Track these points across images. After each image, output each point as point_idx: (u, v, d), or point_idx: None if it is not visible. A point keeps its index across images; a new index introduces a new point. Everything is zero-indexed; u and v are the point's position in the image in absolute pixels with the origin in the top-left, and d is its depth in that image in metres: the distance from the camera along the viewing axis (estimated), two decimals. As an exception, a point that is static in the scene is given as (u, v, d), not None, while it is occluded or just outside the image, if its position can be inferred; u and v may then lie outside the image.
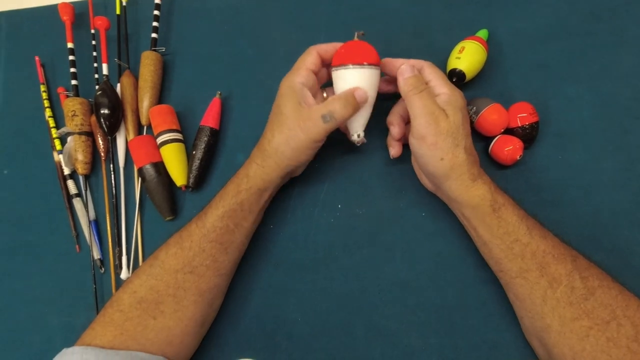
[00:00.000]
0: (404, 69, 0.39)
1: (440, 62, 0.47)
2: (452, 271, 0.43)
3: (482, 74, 0.47)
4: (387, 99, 0.46)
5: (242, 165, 0.42)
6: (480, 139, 0.46)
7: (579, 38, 0.48)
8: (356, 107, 0.39)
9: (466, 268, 0.43)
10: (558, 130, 0.45)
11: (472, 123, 0.45)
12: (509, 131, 0.44)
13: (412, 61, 0.41)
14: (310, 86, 0.41)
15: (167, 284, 0.39)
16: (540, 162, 0.45)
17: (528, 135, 0.44)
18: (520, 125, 0.44)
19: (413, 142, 0.39)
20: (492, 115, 0.43)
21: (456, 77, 0.45)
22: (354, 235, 0.45)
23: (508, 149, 0.43)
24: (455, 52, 0.46)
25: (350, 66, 0.39)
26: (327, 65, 0.43)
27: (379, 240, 0.45)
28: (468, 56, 0.45)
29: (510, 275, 0.37)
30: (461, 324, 0.42)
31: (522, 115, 0.44)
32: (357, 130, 0.42)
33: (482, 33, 0.48)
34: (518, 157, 0.43)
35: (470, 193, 0.38)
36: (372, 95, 0.40)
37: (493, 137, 0.44)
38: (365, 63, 0.39)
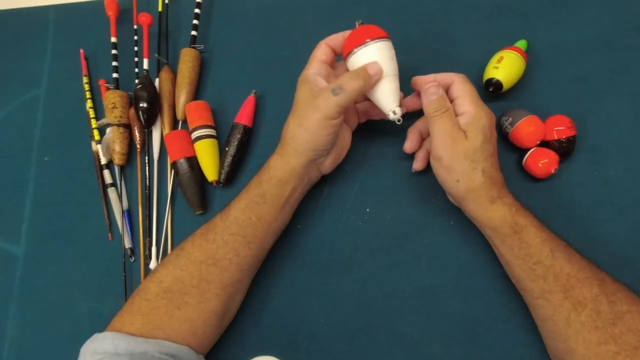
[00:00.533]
0: (429, 89, 0.39)
1: (478, 72, 0.47)
2: (478, 281, 0.43)
3: (520, 84, 0.47)
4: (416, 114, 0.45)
5: None
6: (514, 151, 0.45)
7: (621, 52, 0.47)
8: (367, 79, 0.38)
9: (493, 279, 0.42)
10: (595, 146, 0.45)
11: (506, 134, 0.45)
12: (544, 144, 0.44)
13: (443, 75, 0.40)
14: (324, 75, 0.41)
15: (191, 275, 0.39)
16: (576, 177, 0.44)
17: (564, 149, 0.43)
18: (556, 138, 0.43)
19: (432, 162, 0.40)
20: (528, 127, 0.43)
21: (493, 87, 0.45)
22: (380, 240, 0.45)
23: (543, 162, 0.42)
24: (493, 62, 0.45)
25: (356, 50, 0.39)
26: (339, 56, 0.43)
27: (405, 247, 0.45)
28: (506, 66, 0.44)
29: (532, 296, 0.37)
30: (485, 336, 0.41)
31: (559, 128, 0.43)
32: (391, 107, 0.40)
33: (521, 44, 0.47)
34: (553, 171, 0.42)
35: (489, 215, 0.38)
36: (390, 67, 0.39)
37: (528, 150, 0.44)
38: (368, 40, 0.38)
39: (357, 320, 0.43)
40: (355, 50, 0.39)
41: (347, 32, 0.41)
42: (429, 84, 0.39)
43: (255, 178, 0.41)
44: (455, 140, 0.37)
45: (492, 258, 0.42)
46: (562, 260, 0.35)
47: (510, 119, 0.44)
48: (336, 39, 0.42)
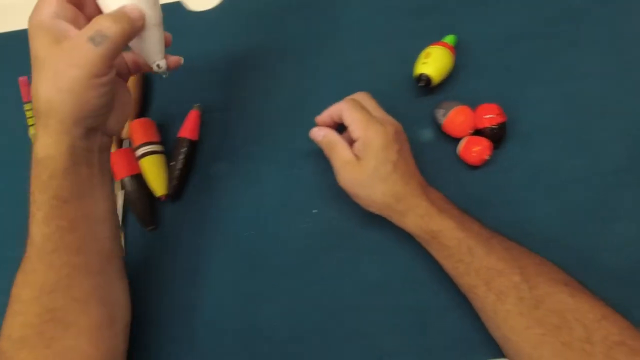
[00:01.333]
0: (312, 135, 0.43)
1: (408, 68, 0.49)
2: (426, 273, 0.44)
3: (451, 78, 0.49)
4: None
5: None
6: (449, 141, 0.47)
7: (541, 40, 0.49)
8: (131, 23, 0.32)
9: (439, 269, 0.43)
10: (525, 131, 0.47)
11: (440, 126, 0.46)
12: (477, 133, 0.45)
13: (334, 108, 0.42)
14: (69, 19, 0.32)
15: (36, 314, 0.34)
16: (509, 162, 0.46)
17: (496, 136, 0.45)
18: (487, 125, 0.45)
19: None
20: (459, 117, 0.45)
21: (423, 82, 0.46)
22: (327, 239, 0.46)
23: (476, 149, 0.44)
24: (421, 58, 0.47)
25: None
26: None
27: (352, 244, 0.45)
28: (435, 61, 0.46)
29: (463, 290, 0.39)
30: (436, 325, 0.42)
31: (490, 116, 0.45)
32: (155, 60, 0.37)
33: (449, 39, 0.49)
34: (486, 157, 0.44)
35: (404, 226, 0.41)
36: (152, 15, 0.34)
37: (461, 139, 0.45)
38: None
39: (310, 320, 0.44)
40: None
41: None
42: (312, 130, 0.43)
43: (34, 181, 0.33)
44: (351, 172, 0.40)
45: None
46: (481, 256, 0.37)
47: (443, 110, 0.46)
48: None
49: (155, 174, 0.48)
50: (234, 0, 0.57)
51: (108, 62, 0.31)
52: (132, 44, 0.35)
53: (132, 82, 0.51)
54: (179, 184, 0.49)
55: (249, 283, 0.45)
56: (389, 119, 0.42)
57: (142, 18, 0.33)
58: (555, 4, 0.50)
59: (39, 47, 0.31)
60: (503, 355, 0.40)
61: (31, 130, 0.53)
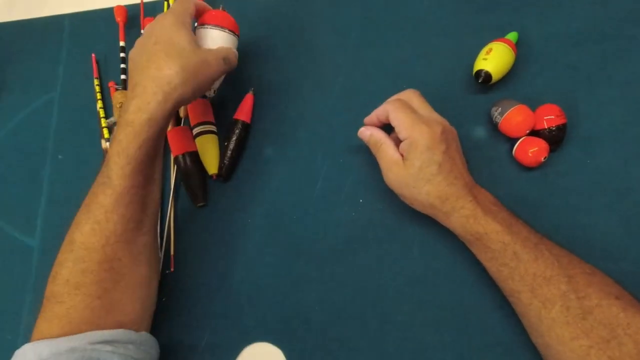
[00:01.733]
0: (361, 135, 0.44)
1: (467, 65, 0.48)
2: (470, 270, 0.43)
3: (511, 76, 0.47)
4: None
5: (125, 112, 0.39)
6: (505, 141, 0.45)
7: (612, 42, 0.47)
8: (235, 62, 0.47)
9: (482, 269, 0.43)
10: (587, 134, 0.45)
11: (496, 125, 0.45)
12: (534, 133, 0.44)
13: (380, 109, 0.43)
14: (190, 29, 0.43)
15: (99, 262, 0.37)
16: (568, 165, 0.44)
17: (555, 138, 0.43)
18: (546, 127, 0.43)
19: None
20: (517, 117, 0.43)
21: (482, 78, 0.45)
22: (373, 230, 0.46)
23: (532, 150, 0.43)
24: (482, 54, 0.46)
25: (209, 27, 0.46)
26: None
27: (398, 236, 0.45)
28: (495, 58, 0.45)
29: (505, 294, 0.38)
30: (477, 324, 0.42)
31: (549, 117, 0.43)
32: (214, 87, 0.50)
33: (512, 36, 0.48)
34: (542, 159, 0.43)
35: (449, 225, 0.40)
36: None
37: (518, 139, 0.44)
38: (225, 27, 0.46)
39: (350, 308, 0.44)
40: (209, 26, 0.46)
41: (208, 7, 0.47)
42: (361, 130, 0.44)
43: (126, 135, 0.38)
44: (396, 171, 0.40)
45: (484, 247, 0.43)
46: (527, 261, 0.36)
47: (500, 109, 0.45)
48: (202, 5, 0.46)
49: (209, 153, 0.50)
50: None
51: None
52: None
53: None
54: (231, 165, 0.50)
55: (291, 266, 0.46)
56: (437, 117, 0.41)
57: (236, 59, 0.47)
58: (624, 4, 0.47)
59: (180, 38, 0.40)
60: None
61: (99, 104, 0.56)
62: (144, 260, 0.41)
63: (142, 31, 0.57)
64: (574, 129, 0.45)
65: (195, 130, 0.51)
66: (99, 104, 0.56)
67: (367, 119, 0.45)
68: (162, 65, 0.38)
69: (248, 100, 0.52)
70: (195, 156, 0.51)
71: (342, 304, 0.44)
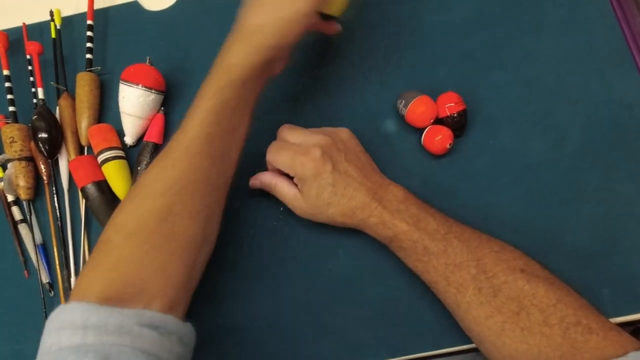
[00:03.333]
0: (251, 184, 0.45)
1: (371, 58, 0.49)
2: (394, 263, 0.43)
3: (412, 67, 0.49)
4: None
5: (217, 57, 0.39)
6: (412, 132, 0.47)
7: (502, 26, 0.49)
8: None
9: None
10: (487, 117, 0.47)
11: (402, 117, 0.46)
12: (439, 122, 0.45)
13: (261, 175, 0.44)
14: None
15: (154, 211, 0.35)
16: (473, 149, 0.46)
17: (457, 124, 0.45)
18: (448, 114, 0.45)
19: None
20: (420, 107, 0.44)
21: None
22: (297, 236, 0.46)
23: (438, 138, 0.44)
24: None
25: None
26: None
27: (321, 239, 0.45)
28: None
29: (427, 285, 0.40)
30: (406, 314, 0.43)
31: (450, 104, 0.45)
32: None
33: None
34: (448, 146, 0.44)
35: (366, 232, 0.41)
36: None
37: (424, 129, 0.45)
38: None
39: (283, 319, 0.44)
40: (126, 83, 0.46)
41: None
42: (250, 180, 0.45)
43: (210, 83, 0.37)
44: (297, 204, 0.41)
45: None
46: (437, 254, 0.37)
47: (403, 101, 0.46)
48: None
49: (120, 180, 0.48)
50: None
51: (316, 8, 0.38)
52: None
53: (85, 87, 0.50)
54: (144, 189, 0.48)
55: (215, 284, 0.45)
56: (313, 139, 0.40)
57: None
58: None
59: None
60: (471, 342, 0.41)
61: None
62: (200, 223, 0.36)
63: (27, 56, 0.52)
64: (474, 114, 0.47)
65: (100, 158, 0.48)
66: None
67: (253, 182, 0.45)
68: (248, 15, 0.38)
69: (158, 120, 0.50)
70: (104, 185, 0.48)
71: (273, 316, 0.44)
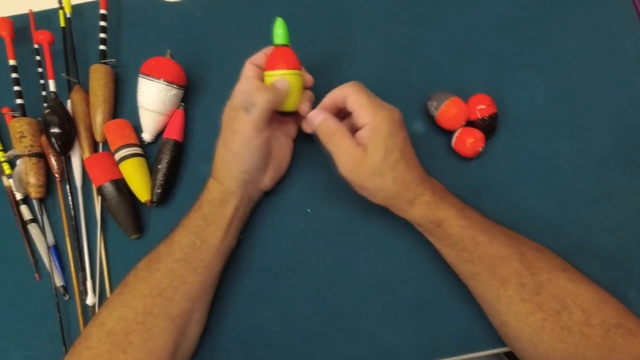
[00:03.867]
0: (310, 118, 0.40)
1: (403, 57, 0.48)
2: (425, 266, 0.43)
3: (442, 67, 0.48)
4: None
5: None
6: (442, 134, 0.46)
7: (529, 26, 0.49)
8: (276, 92, 0.38)
9: (438, 261, 0.43)
10: (515, 119, 0.47)
11: (433, 118, 0.46)
12: (470, 124, 0.45)
13: (337, 91, 0.39)
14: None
15: (135, 311, 0.37)
16: (502, 151, 0.46)
17: (488, 127, 0.45)
18: (480, 117, 0.44)
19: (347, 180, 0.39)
20: (452, 110, 0.44)
21: None
22: (324, 238, 0.45)
23: (470, 141, 0.44)
24: None
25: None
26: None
27: (350, 241, 0.45)
28: None
29: (464, 278, 0.39)
30: (437, 317, 0.42)
31: (481, 107, 0.44)
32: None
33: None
34: (480, 149, 0.44)
35: (410, 214, 0.39)
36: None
37: (455, 131, 0.45)
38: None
39: (311, 321, 0.43)
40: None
41: (268, 49, 0.41)
42: (309, 113, 0.40)
43: (196, 202, 0.41)
44: (357, 161, 0.37)
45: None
46: (484, 244, 0.37)
47: (435, 103, 0.45)
48: (259, 57, 0.41)
49: (138, 178, 0.45)
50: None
51: (258, 126, 0.37)
52: None
53: (100, 80, 0.48)
54: (165, 189, 0.46)
55: (245, 287, 0.44)
56: (390, 105, 0.39)
57: (287, 87, 0.39)
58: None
59: (224, 115, 0.40)
60: (502, 346, 0.41)
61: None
62: (179, 327, 0.38)
63: (35, 46, 0.49)
64: (502, 115, 0.46)
65: (118, 155, 0.45)
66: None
67: (321, 104, 0.40)
68: (216, 149, 0.41)
69: (178, 116, 0.47)
70: (121, 184, 0.45)
71: (301, 319, 0.43)
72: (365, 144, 0.37)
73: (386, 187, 0.37)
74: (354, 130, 0.39)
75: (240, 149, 0.38)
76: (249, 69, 0.41)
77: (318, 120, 0.39)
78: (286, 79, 0.39)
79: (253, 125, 0.37)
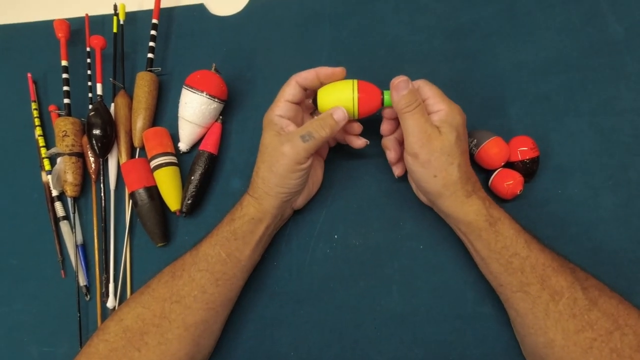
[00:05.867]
0: (398, 85, 0.38)
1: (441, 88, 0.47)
2: (450, 306, 0.42)
3: (485, 105, 0.47)
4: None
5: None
6: (480, 172, 0.45)
7: (579, 72, 0.47)
8: (334, 126, 0.39)
9: (464, 303, 0.42)
10: (558, 165, 0.45)
11: (472, 156, 0.44)
12: (509, 165, 0.44)
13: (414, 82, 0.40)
14: (290, 117, 0.40)
15: (153, 313, 0.37)
16: (540, 196, 0.44)
17: (528, 170, 0.43)
18: (520, 159, 0.43)
19: (407, 159, 0.39)
20: (493, 149, 0.43)
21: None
22: (350, 267, 0.44)
23: (508, 183, 0.42)
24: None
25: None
26: (309, 93, 0.42)
27: (375, 273, 0.44)
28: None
29: (511, 290, 0.37)
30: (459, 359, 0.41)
31: (523, 149, 0.43)
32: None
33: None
34: (518, 192, 0.42)
35: (464, 209, 0.38)
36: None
37: (493, 171, 0.44)
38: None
39: (328, 351, 0.42)
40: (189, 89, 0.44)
41: (322, 69, 0.40)
42: (399, 79, 0.38)
43: (228, 215, 0.41)
44: (431, 136, 0.37)
45: (464, 282, 0.42)
46: (536, 251, 0.35)
47: (475, 140, 0.44)
48: (307, 76, 0.40)
49: (171, 188, 0.46)
50: (257, 6, 0.54)
51: (310, 154, 0.39)
52: None
53: (145, 87, 0.49)
54: (195, 200, 0.46)
55: (265, 310, 0.43)
56: None
57: (345, 118, 0.39)
58: (593, 35, 0.49)
59: (267, 137, 0.40)
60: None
61: (38, 131, 0.50)
62: (193, 336, 0.38)
63: (87, 49, 0.51)
64: (544, 159, 0.45)
65: (153, 163, 0.46)
66: (38, 131, 0.50)
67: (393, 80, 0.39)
68: (257, 169, 0.41)
69: (215, 129, 0.48)
70: (154, 191, 0.46)
71: (319, 347, 0.42)
72: (439, 126, 0.38)
73: (452, 170, 0.37)
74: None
75: (287, 173, 0.38)
76: (290, 92, 0.40)
77: (407, 88, 0.38)
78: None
79: (306, 153, 0.38)
